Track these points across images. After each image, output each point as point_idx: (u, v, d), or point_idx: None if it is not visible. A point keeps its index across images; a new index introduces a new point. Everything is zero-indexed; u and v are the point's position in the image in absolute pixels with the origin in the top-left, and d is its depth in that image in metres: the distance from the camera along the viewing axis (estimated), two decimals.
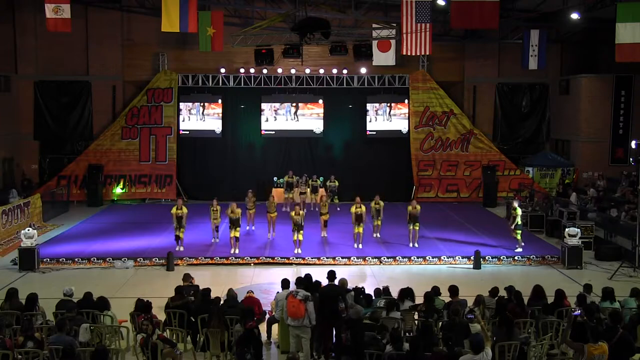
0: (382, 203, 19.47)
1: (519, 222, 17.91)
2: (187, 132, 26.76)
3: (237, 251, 17.48)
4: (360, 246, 18.14)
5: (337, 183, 23.93)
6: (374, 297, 11.61)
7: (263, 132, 26.89)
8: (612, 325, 9.07)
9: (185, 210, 17.94)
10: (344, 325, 10.12)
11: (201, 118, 26.83)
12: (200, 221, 20.94)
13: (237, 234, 17.63)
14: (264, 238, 19.36)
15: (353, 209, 18.36)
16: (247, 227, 20.32)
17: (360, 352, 8.91)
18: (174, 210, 18.01)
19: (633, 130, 25.53)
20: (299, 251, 17.50)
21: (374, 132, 27.12)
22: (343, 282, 10.98)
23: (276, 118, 26.94)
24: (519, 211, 18.02)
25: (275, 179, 25.62)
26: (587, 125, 25.98)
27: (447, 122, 26.81)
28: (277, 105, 26.86)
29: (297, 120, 26.90)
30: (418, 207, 18.51)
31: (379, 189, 21.15)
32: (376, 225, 19.55)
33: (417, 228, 18.46)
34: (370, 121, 27.07)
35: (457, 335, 9.21)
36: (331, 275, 10.88)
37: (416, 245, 18.31)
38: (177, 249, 17.76)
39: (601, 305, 10.69)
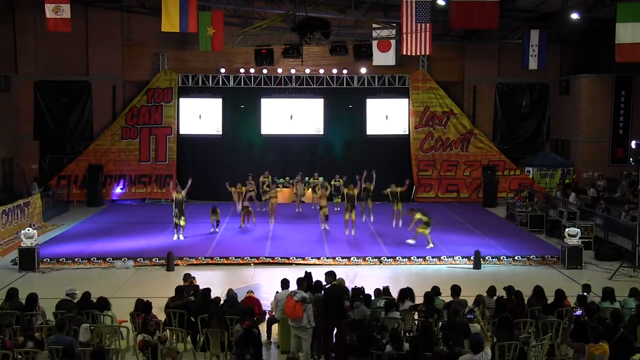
0: (371, 186, 21.10)
1: (425, 219, 18.02)
2: (188, 134, 26.85)
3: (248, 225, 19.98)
4: (353, 232, 19.34)
5: (341, 182, 23.74)
6: (373, 297, 11.61)
7: (263, 132, 26.97)
8: (613, 324, 9.06)
9: (183, 193, 19.13)
10: (349, 326, 10.10)
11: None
12: (200, 221, 20.94)
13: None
14: (264, 237, 19.38)
15: (345, 191, 19.97)
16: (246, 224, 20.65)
17: (368, 352, 8.89)
18: (174, 194, 19.30)
19: (633, 130, 25.52)
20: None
21: (374, 133, 27.16)
22: (341, 281, 10.97)
23: (277, 119, 26.98)
24: (419, 215, 18.24)
25: (275, 179, 25.61)
26: (587, 125, 25.97)
27: (447, 122, 26.81)
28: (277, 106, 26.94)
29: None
30: (398, 188, 20.30)
31: (379, 189, 21.27)
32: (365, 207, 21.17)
33: (400, 208, 20.24)
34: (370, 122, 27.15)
35: (457, 335, 9.20)
36: (332, 275, 10.87)
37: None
38: (174, 237, 18.93)
39: (601, 306, 10.69)
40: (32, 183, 24.52)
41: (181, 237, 18.99)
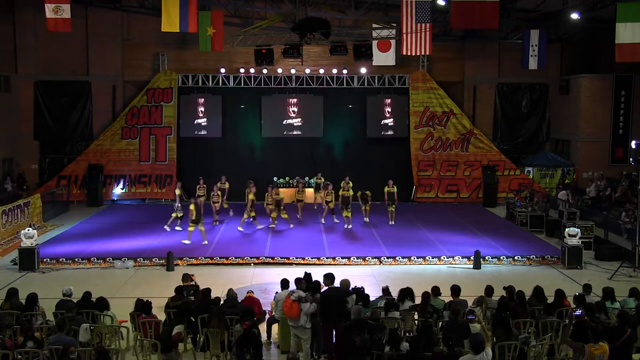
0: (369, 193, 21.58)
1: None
2: (188, 134, 26.88)
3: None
4: (350, 226, 20.48)
5: (351, 184, 22.88)
6: (373, 297, 11.59)
7: (263, 132, 26.97)
8: (620, 325, 9.04)
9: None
10: (355, 327, 10.06)
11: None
12: None
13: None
14: (264, 237, 19.38)
15: (340, 192, 20.74)
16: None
17: (369, 352, 8.87)
18: (177, 191, 21.37)
19: (633, 130, 25.52)
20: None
21: (374, 133, 27.14)
22: (345, 282, 10.91)
23: (277, 119, 26.97)
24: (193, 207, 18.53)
25: (275, 179, 25.65)
26: (587, 125, 25.97)
27: (447, 122, 26.80)
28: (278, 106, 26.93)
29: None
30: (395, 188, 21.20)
31: (379, 189, 21.25)
32: (365, 210, 21.50)
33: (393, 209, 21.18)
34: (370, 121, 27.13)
35: (457, 335, 9.20)
36: (330, 278, 10.84)
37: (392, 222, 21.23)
38: (166, 227, 20.15)
39: None
40: (6, 177, 24.19)
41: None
